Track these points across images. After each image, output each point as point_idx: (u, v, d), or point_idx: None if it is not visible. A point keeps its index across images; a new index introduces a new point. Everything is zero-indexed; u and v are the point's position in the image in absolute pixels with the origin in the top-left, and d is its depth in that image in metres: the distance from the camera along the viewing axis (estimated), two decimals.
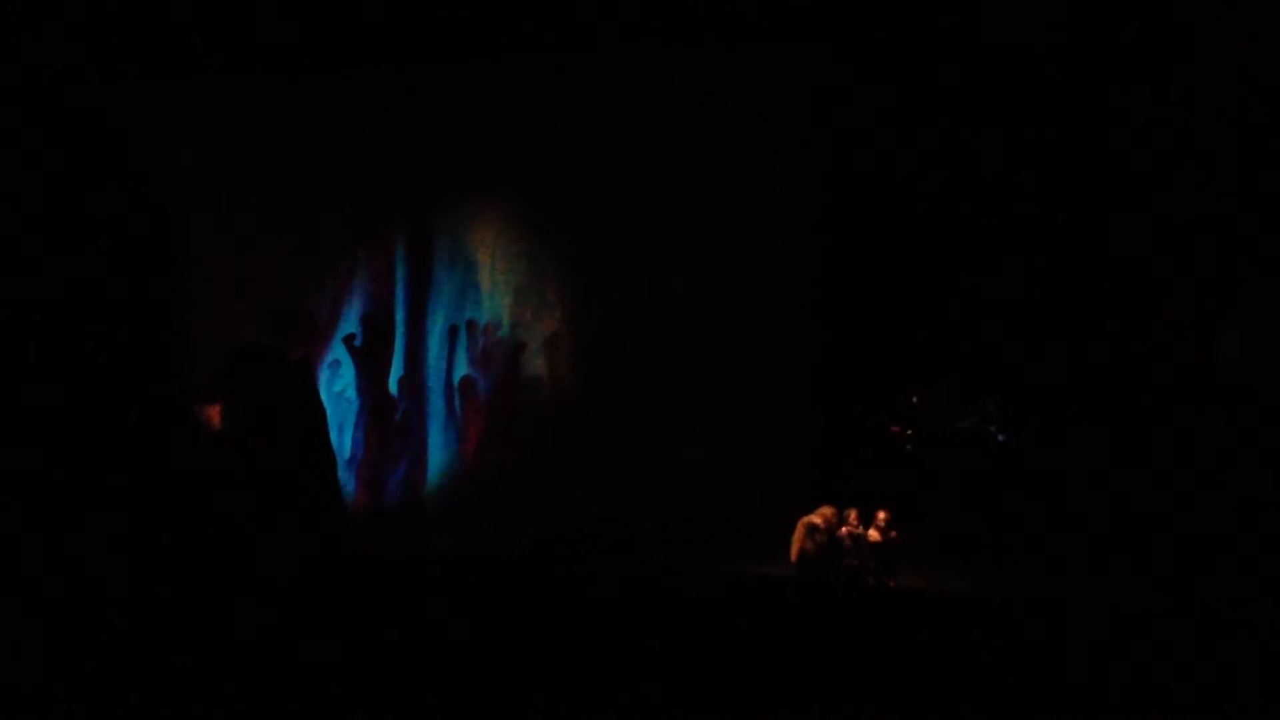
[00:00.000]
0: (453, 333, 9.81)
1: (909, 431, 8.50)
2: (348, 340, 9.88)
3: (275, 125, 9.96)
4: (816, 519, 7.12)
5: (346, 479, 9.37)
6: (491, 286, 9.76)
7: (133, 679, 4.80)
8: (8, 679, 4.76)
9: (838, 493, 7.42)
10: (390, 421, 9.79)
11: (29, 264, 9.43)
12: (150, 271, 9.90)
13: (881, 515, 7.11)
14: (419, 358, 9.88)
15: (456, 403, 9.74)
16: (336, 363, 9.95)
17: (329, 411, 9.60)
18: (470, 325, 9.79)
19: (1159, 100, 7.74)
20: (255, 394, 6.14)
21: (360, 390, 9.86)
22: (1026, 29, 8.08)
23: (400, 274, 9.95)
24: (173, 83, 9.90)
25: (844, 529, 7.11)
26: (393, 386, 9.84)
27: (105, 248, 9.67)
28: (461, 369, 9.78)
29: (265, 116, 9.99)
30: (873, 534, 7.08)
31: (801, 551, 7.08)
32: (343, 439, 9.63)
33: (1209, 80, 7.59)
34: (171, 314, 9.93)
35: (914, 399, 8.56)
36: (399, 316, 9.93)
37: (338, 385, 9.92)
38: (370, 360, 9.87)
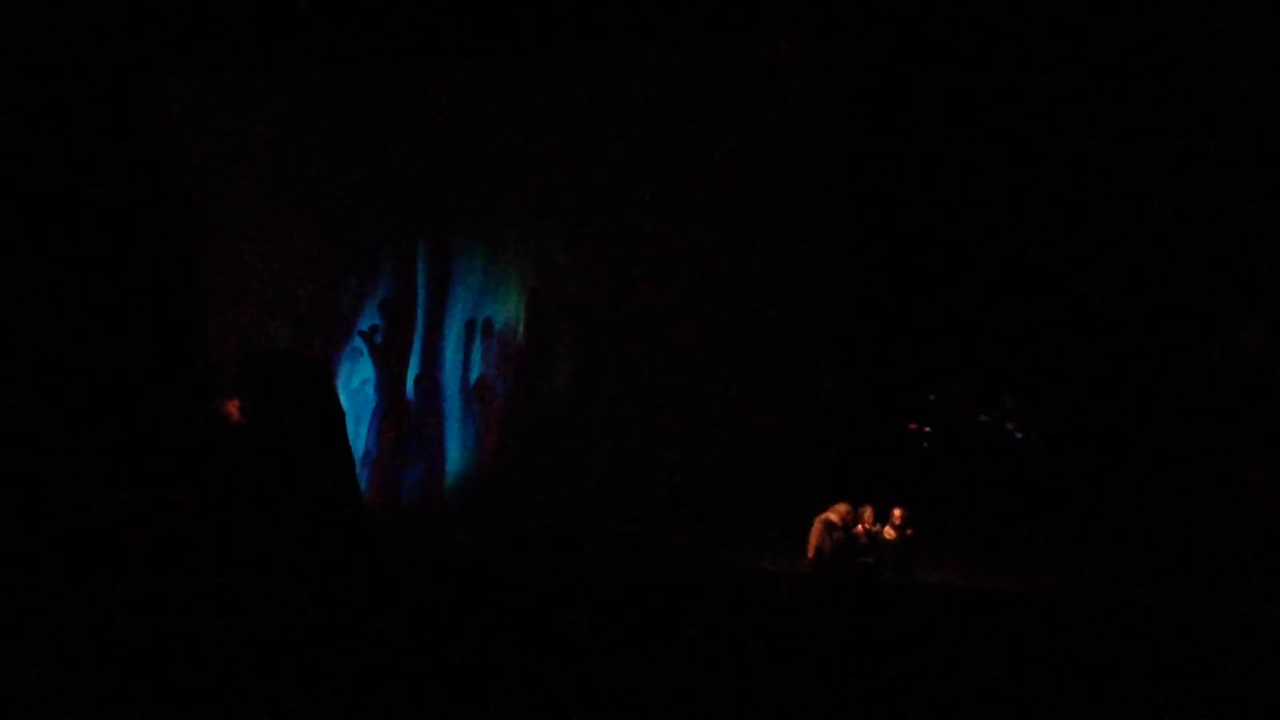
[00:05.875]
0: (469, 332, 9.83)
1: (926, 429, 8.48)
2: (368, 335, 9.92)
3: (296, 120, 10.01)
4: (833, 516, 7.11)
5: (361, 474, 9.40)
6: (509, 286, 9.78)
7: (145, 674, 4.83)
8: (14, 674, 4.80)
9: (854, 490, 7.41)
10: (407, 421, 9.83)
11: (51, 256, 9.50)
12: (171, 266, 9.97)
13: (897, 513, 7.10)
14: (436, 357, 9.92)
15: (474, 403, 9.77)
16: (357, 352, 9.99)
17: (348, 404, 9.68)
18: (487, 325, 9.81)
19: (1177, 96, 7.70)
20: (273, 396, 6.18)
21: (378, 387, 9.91)
22: (1046, 25, 8.05)
23: (420, 271, 9.98)
24: (195, 76, 9.96)
25: (860, 526, 7.10)
26: (410, 385, 9.88)
27: (127, 241, 9.74)
28: (478, 369, 9.81)
29: (285, 111, 10.04)
30: (889, 531, 7.07)
31: (818, 549, 7.08)
32: (359, 434, 9.68)
33: (1221, 76, 7.55)
34: (191, 308, 9.99)
35: (931, 396, 8.54)
36: (419, 315, 9.97)
37: (355, 381, 9.97)
38: (388, 355, 9.91)
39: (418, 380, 9.90)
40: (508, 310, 9.76)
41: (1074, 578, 6.97)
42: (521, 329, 9.71)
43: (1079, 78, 8.03)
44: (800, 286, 8.79)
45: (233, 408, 6.29)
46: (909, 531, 7.08)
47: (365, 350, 9.97)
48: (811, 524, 7.18)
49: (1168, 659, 5.13)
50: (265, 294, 9.99)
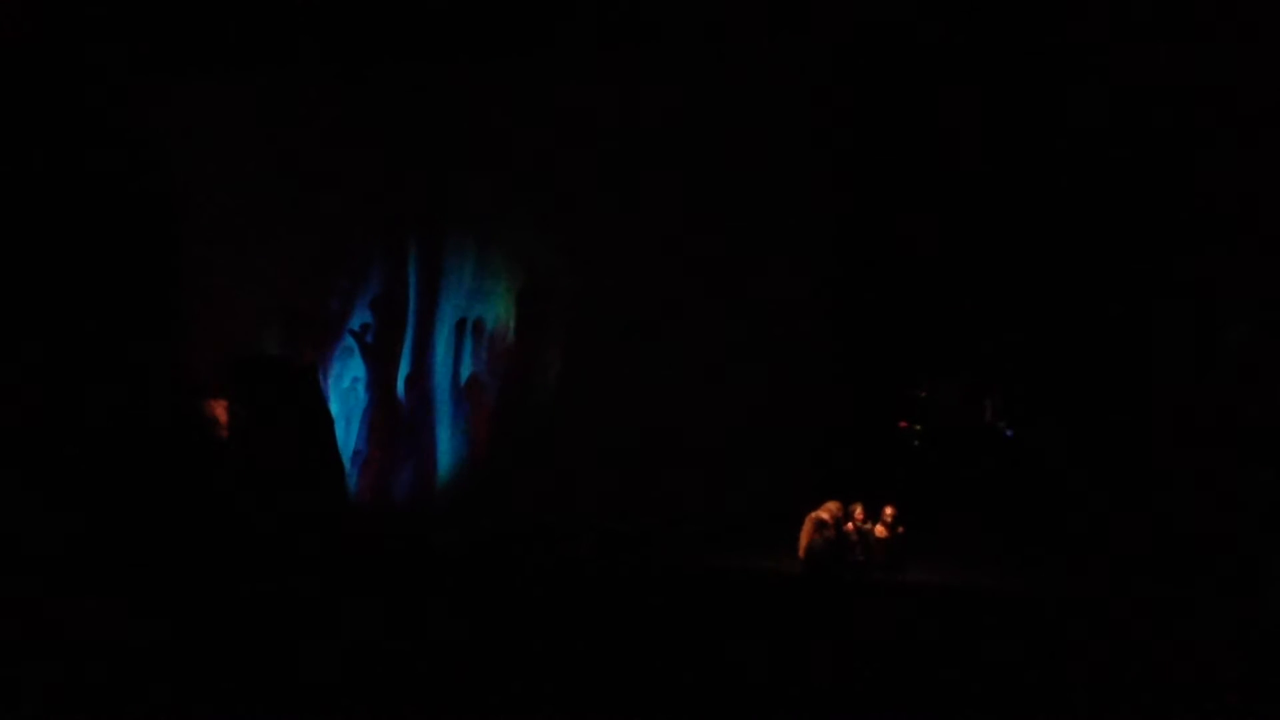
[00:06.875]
0: (460, 332, 9.82)
1: (917, 426, 8.50)
2: (359, 334, 9.90)
3: (287, 124, 10.00)
4: (824, 514, 7.10)
5: (351, 473, 9.39)
6: (500, 286, 9.76)
7: (134, 671, 4.83)
8: (12, 668, 4.79)
9: (845, 488, 7.41)
10: (398, 420, 9.82)
11: (39, 259, 9.47)
12: (159, 267, 9.95)
13: (888, 510, 7.10)
14: (427, 356, 9.90)
15: (464, 402, 9.75)
16: (348, 351, 9.98)
17: (339, 403, 9.68)
18: (478, 325, 9.80)
19: (1166, 101, 7.72)
20: (261, 400, 6.19)
21: (369, 386, 9.90)
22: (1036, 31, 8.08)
23: (411, 273, 9.97)
24: (186, 81, 9.95)
25: (851, 524, 7.10)
26: (401, 385, 9.87)
27: (115, 243, 9.72)
28: (469, 368, 9.79)
29: (276, 115, 10.03)
30: (879, 529, 7.08)
31: (809, 547, 7.07)
32: (350, 433, 9.66)
33: (1211, 79, 7.58)
34: (177, 312, 9.97)
35: (922, 394, 8.56)
36: (410, 314, 9.95)
37: (346, 380, 9.96)
38: (380, 354, 9.90)
39: (409, 379, 9.88)
40: (498, 310, 9.75)
41: (1069, 577, 6.98)
42: (512, 329, 9.70)
43: (1076, 77, 8.04)
44: (792, 285, 8.79)
45: (220, 410, 6.28)
46: (900, 529, 7.08)
47: (356, 349, 9.96)
48: (802, 522, 7.18)
49: (1165, 658, 5.14)
50: (255, 294, 9.97)
